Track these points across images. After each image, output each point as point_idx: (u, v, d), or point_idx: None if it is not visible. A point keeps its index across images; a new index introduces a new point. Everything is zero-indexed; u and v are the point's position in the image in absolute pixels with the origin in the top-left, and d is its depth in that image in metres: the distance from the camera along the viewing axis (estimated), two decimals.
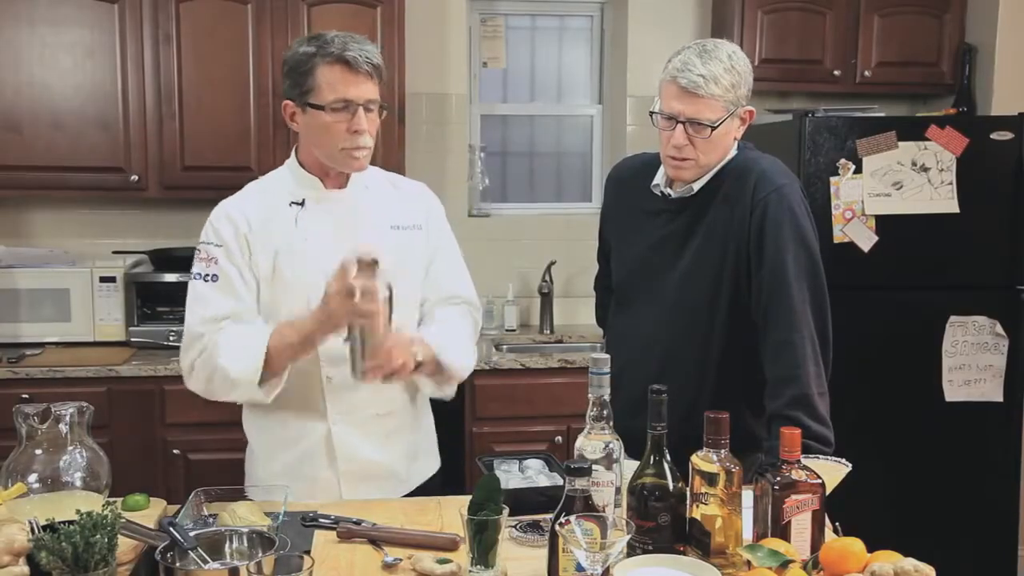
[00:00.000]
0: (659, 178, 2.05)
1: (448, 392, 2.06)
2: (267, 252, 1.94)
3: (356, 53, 1.87)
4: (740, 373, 1.96)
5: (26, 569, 1.38)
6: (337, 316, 1.78)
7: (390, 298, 1.79)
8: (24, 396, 3.04)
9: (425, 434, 2.17)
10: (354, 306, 1.74)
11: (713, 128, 1.89)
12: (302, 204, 1.98)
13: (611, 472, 1.54)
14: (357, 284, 1.72)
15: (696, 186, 1.99)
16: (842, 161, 3.33)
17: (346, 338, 1.82)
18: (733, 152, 2.00)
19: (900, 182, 3.34)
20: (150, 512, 1.72)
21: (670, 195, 2.03)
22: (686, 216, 2.00)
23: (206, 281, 1.93)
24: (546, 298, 3.97)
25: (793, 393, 1.84)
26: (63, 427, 1.70)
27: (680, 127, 1.90)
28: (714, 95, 1.88)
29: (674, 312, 2.00)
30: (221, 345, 1.88)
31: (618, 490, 1.56)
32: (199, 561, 1.39)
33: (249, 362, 1.85)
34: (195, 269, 1.96)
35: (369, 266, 1.72)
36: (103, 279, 3.45)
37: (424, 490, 2.10)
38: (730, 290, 1.95)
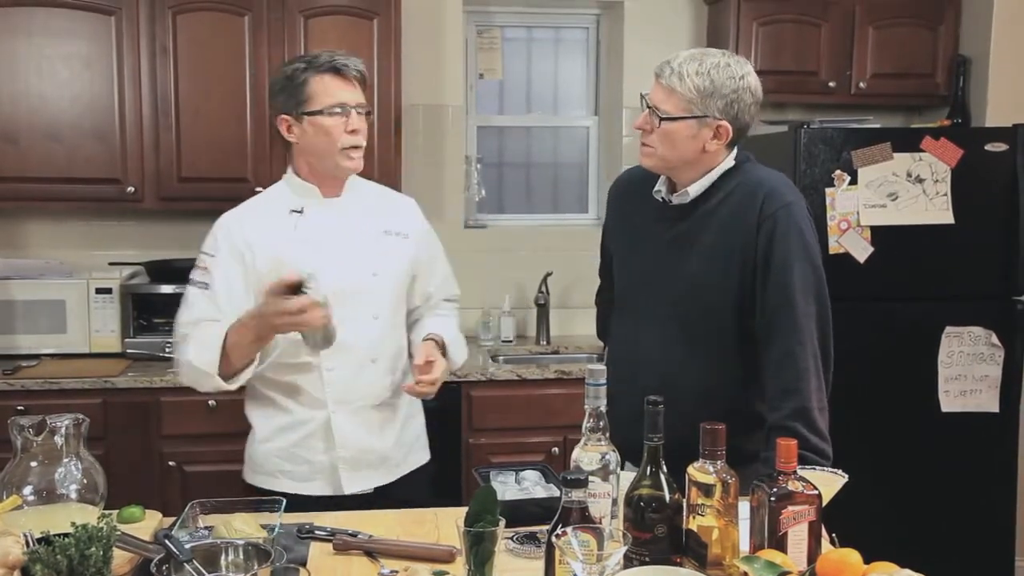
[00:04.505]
0: (660, 184, 2.06)
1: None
2: (269, 258, 2.08)
3: (344, 62, 2.09)
4: (742, 385, 1.96)
5: None
6: (279, 328, 1.95)
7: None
8: (19, 408, 3.03)
9: (417, 429, 2.31)
10: (290, 319, 1.89)
11: (662, 119, 1.93)
12: (301, 212, 2.14)
13: (607, 483, 1.54)
14: (288, 304, 1.87)
15: (692, 192, 1.99)
16: (837, 172, 3.34)
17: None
18: (730, 163, 2.00)
19: (895, 193, 3.35)
20: (146, 524, 1.72)
21: (671, 201, 2.03)
22: (687, 225, 2.00)
23: (196, 287, 2.11)
24: (542, 309, 3.97)
25: (793, 405, 1.84)
26: (59, 439, 1.70)
27: (646, 111, 1.98)
28: (674, 88, 1.92)
29: (676, 323, 2.00)
30: (190, 340, 2.05)
31: (615, 501, 1.56)
32: (195, 574, 1.38)
33: (209, 355, 2.00)
34: (191, 275, 2.14)
35: (294, 285, 1.88)
36: (99, 290, 3.44)
37: (415, 476, 2.25)
38: (734, 303, 1.95)
